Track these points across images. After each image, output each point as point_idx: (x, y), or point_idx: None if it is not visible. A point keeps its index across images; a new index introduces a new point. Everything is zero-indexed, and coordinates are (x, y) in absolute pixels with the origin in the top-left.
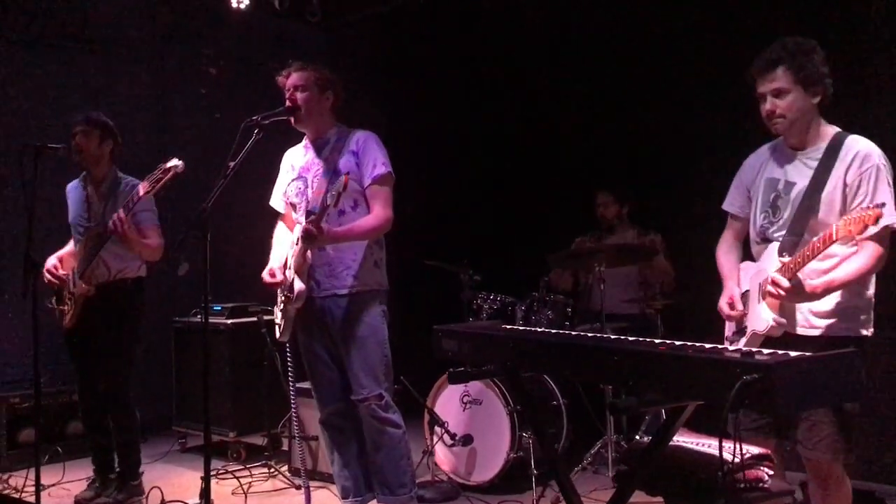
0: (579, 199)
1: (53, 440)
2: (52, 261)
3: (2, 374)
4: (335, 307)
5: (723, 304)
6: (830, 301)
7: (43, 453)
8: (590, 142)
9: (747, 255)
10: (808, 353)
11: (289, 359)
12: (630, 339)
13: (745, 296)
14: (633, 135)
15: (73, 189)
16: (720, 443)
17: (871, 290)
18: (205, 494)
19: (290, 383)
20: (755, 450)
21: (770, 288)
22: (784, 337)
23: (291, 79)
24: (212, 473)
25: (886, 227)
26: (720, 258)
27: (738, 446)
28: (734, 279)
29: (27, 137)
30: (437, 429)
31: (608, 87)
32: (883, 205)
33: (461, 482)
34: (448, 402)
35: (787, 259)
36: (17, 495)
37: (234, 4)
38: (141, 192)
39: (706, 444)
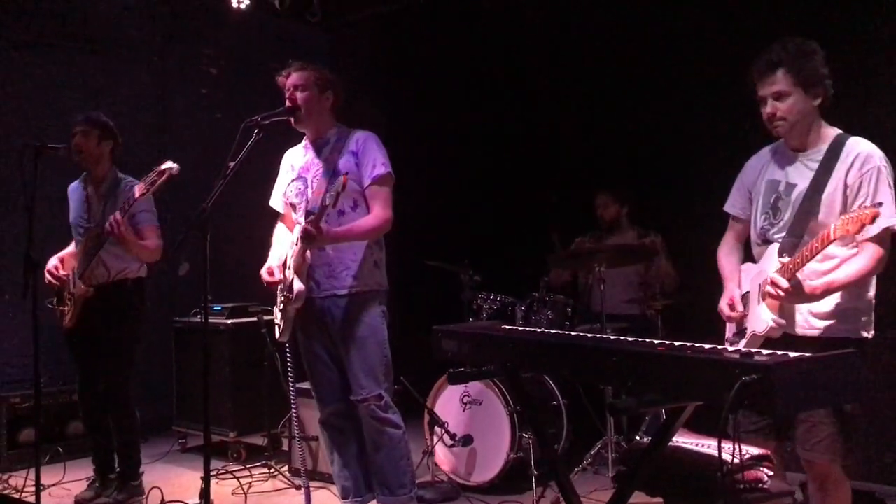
0: (579, 200)
1: (53, 440)
2: (53, 261)
3: (2, 374)
4: (335, 307)
5: (723, 305)
6: (830, 302)
7: (43, 453)
8: (590, 142)
9: (749, 256)
10: (807, 354)
11: (289, 359)
12: (629, 339)
13: (745, 297)
14: (634, 135)
15: (74, 189)
16: (719, 443)
17: (872, 292)
18: (204, 495)
19: (290, 383)
20: (755, 450)
21: (769, 289)
22: (784, 338)
23: (291, 79)
24: (212, 474)
25: (887, 228)
26: (721, 260)
27: (737, 447)
28: (735, 281)
29: (27, 137)
30: (437, 429)
31: (608, 87)
32: (880, 204)
33: (461, 482)
34: (448, 402)
35: (786, 260)
36: (17, 495)
37: (235, 4)
38: (136, 194)
39: (706, 445)
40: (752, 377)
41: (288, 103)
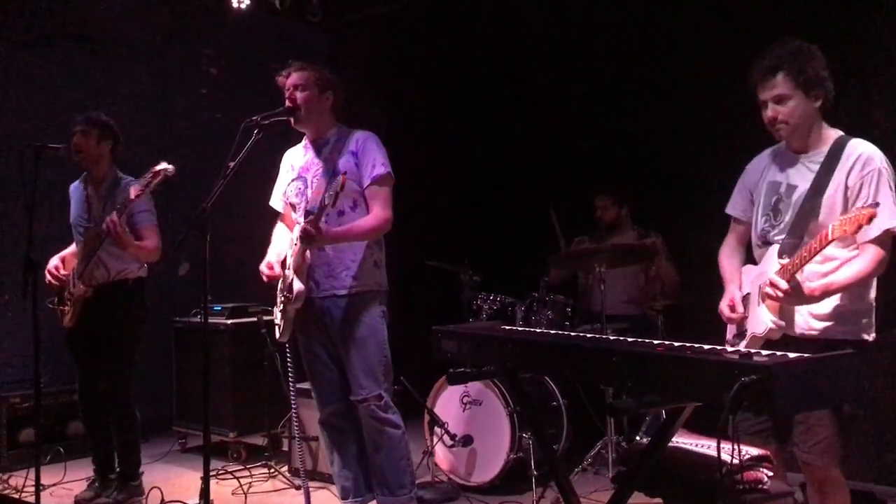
0: (580, 200)
1: (54, 440)
2: (54, 261)
3: (2, 374)
4: (334, 308)
5: (723, 306)
6: (830, 304)
7: (44, 453)
8: (590, 142)
9: (751, 258)
10: (806, 355)
11: (289, 359)
12: (629, 339)
13: (745, 299)
14: (634, 135)
15: (74, 189)
16: (718, 444)
17: (873, 294)
18: (204, 495)
19: (291, 384)
20: (754, 451)
21: (769, 290)
22: (783, 339)
23: (291, 79)
24: (212, 474)
25: (887, 230)
26: (722, 261)
27: (736, 447)
28: (735, 282)
29: (28, 138)
30: (437, 429)
31: (608, 87)
32: (877, 204)
33: (461, 483)
34: (448, 402)
35: (786, 261)
36: (16, 495)
37: (235, 4)
38: (132, 195)
39: (705, 446)
40: (752, 378)
41: (288, 103)
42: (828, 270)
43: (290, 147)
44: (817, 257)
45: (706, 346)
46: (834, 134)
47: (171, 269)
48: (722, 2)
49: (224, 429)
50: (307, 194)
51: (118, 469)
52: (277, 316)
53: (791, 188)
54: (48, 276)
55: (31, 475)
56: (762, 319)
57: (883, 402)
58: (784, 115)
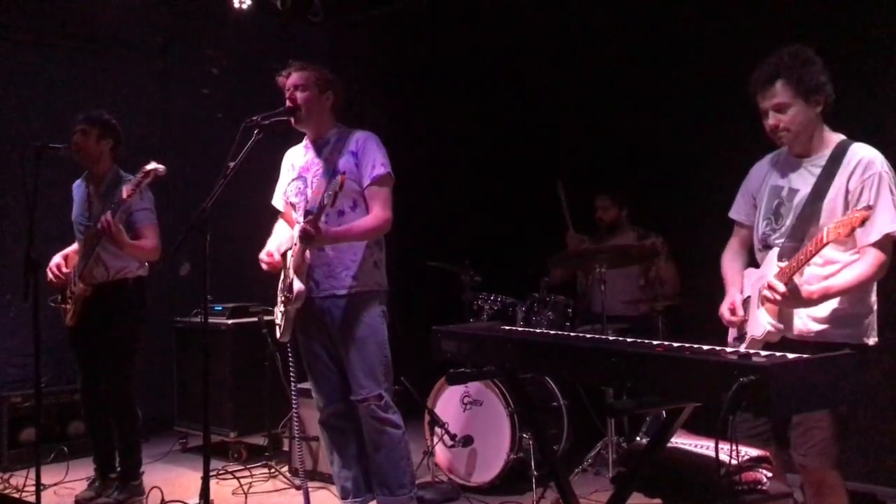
0: (580, 200)
1: (54, 440)
2: (56, 259)
3: (3, 374)
4: (334, 308)
5: (724, 309)
6: (829, 307)
7: (46, 453)
8: (591, 142)
9: (753, 262)
10: (805, 356)
11: (290, 359)
12: (628, 340)
13: (746, 302)
14: (634, 136)
15: (77, 187)
16: (716, 445)
17: (874, 297)
18: (204, 495)
19: (292, 383)
20: (754, 452)
21: (767, 293)
22: (782, 342)
23: (291, 79)
24: (212, 474)
25: (887, 234)
26: (724, 265)
27: (735, 448)
28: (737, 285)
29: (30, 138)
30: (438, 429)
31: (609, 87)
32: (870, 207)
33: (461, 483)
34: (448, 402)
35: (785, 264)
36: (17, 495)
37: (237, 5)
38: (124, 195)
39: (704, 446)
40: (750, 378)
41: (288, 103)
42: (828, 274)
43: (290, 147)
44: (818, 260)
45: (705, 347)
46: (836, 138)
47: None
48: (723, 3)
49: (225, 429)
50: (307, 194)
51: (119, 469)
52: (278, 316)
53: (793, 192)
54: (49, 274)
55: (32, 475)
56: (761, 322)
57: (884, 404)
58: (785, 122)
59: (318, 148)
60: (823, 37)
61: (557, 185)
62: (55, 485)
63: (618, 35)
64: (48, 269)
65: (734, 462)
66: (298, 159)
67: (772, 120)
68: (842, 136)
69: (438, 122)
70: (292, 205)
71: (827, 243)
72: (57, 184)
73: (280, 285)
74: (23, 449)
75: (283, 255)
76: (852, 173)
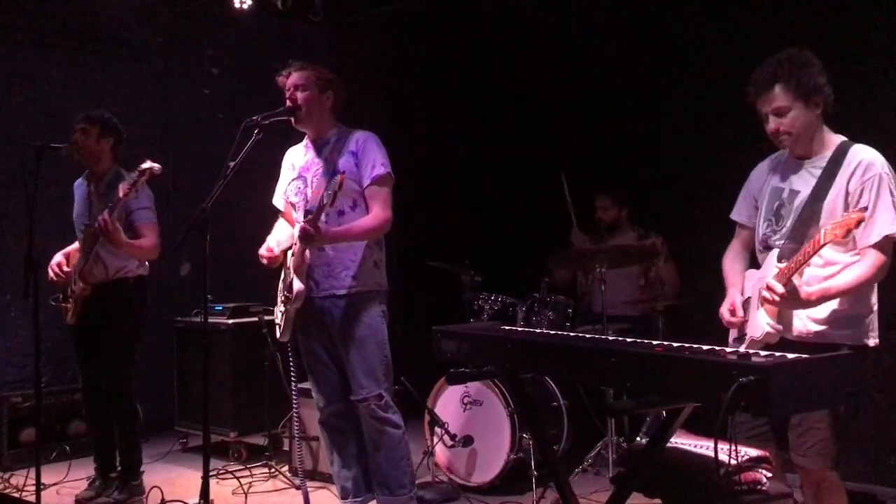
0: (581, 201)
1: (55, 440)
2: (57, 258)
3: (4, 374)
4: (334, 307)
5: (723, 310)
6: (829, 308)
7: (46, 453)
8: (591, 143)
9: (755, 263)
10: (804, 356)
11: (290, 359)
12: (628, 340)
13: (747, 303)
14: (635, 136)
15: (78, 186)
16: (716, 445)
17: (874, 299)
18: (203, 494)
19: (292, 383)
20: (753, 452)
21: (765, 294)
22: (781, 343)
23: (292, 78)
24: (212, 473)
25: (887, 236)
26: (725, 266)
27: (734, 448)
28: (737, 286)
29: (30, 138)
30: (438, 429)
31: (609, 87)
32: (865, 209)
33: (461, 483)
34: (448, 402)
35: (784, 265)
36: (17, 494)
37: (237, 4)
38: (120, 194)
39: (704, 447)
40: (749, 378)
41: (288, 103)
42: (828, 275)
43: (290, 147)
44: (818, 260)
45: (705, 347)
46: (837, 139)
47: (172, 268)
48: (723, 4)
49: (225, 428)
50: (307, 194)
51: (119, 468)
52: (278, 315)
53: (793, 194)
54: (51, 273)
55: (32, 474)
56: (760, 323)
57: (885, 404)
58: (786, 126)
59: (319, 148)
60: (823, 37)
61: (562, 177)
62: (55, 484)
63: (618, 35)
64: (49, 268)
65: (734, 462)
66: (299, 159)
67: (772, 124)
68: (842, 138)
69: (438, 122)
70: (292, 204)
71: (824, 245)
72: (57, 183)
73: (280, 285)
74: (23, 449)
75: (284, 254)
76: (852, 175)
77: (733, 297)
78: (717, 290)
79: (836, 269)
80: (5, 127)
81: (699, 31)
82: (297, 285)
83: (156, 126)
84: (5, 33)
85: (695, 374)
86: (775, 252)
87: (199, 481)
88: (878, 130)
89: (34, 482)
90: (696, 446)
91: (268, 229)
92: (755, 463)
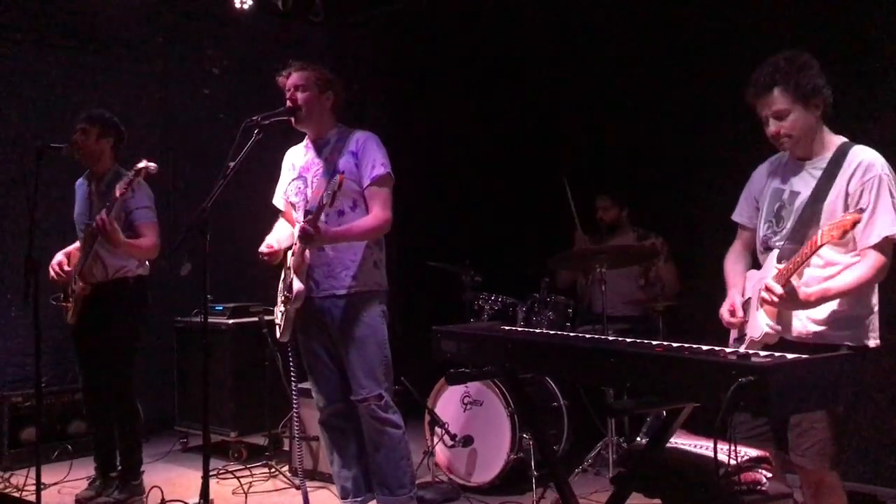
0: (581, 201)
1: (55, 439)
2: (58, 257)
3: (4, 374)
4: (334, 307)
5: (723, 311)
6: (828, 309)
7: (46, 452)
8: (592, 143)
9: (757, 264)
10: (804, 356)
11: (290, 359)
12: (627, 340)
13: (747, 303)
14: (635, 136)
15: (79, 186)
16: (715, 445)
17: (874, 300)
18: (203, 494)
19: (292, 383)
20: (753, 452)
21: (764, 294)
22: (781, 343)
23: (292, 79)
24: (212, 473)
25: (887, 237)
26: (727, 267)
27: (734, 448)
28: (738, 287)
29: (30, 138)
30: (438, 429)
31: (610, 89)
32: (861, 210)
33: (461, 483)
34: (448, 402)
35: (783, 266)
36: (17, 494)
37: (238, 5)
38: (117, 194)
39: (704, 447)
40: (749, 378)
41: (288, 103)
42: (829, 275)
43: (290, 147)
44: (818, 261)
45: (704, 347)
46: (837, 140)
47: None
48: (723, 2)
49: (225, 428)
50: (307, 194)
51: (119, 468)
52: (278, 315)
53: (794, 195)
54: (51, 272)
55: (33, 474)
56: (759, 324)
57: (884, 404)
58: (786, 129)
59: (319, 148)
60: (823, 37)
61: (563, 180)
62: (55, 484)
63: (618, 35)
64: (50, 267)
65: (733, 462)
66: (299, 159)
67: (772, 127)
68: (843, 139)
69: (438, 122)
70: (292, 204)
71: (821, 246)
72: (58, 183)
73: (280, 285)
74: (23, 448)
75: (284, 252)
76: (852, 176)
77: (733, 298)
78: (718, 290)
79: (837, 269)
80: (6, 127)
81: (699, 31)
82: (297, 285)
83: (156, 126)
84: (6, 33)
85: (694, 374)
86: (775, 253)
87: (200, 481)
88: (879, 130)
89: (34, 482)
90: (695, 446)
91: (268, 229)
92: (755, 463)
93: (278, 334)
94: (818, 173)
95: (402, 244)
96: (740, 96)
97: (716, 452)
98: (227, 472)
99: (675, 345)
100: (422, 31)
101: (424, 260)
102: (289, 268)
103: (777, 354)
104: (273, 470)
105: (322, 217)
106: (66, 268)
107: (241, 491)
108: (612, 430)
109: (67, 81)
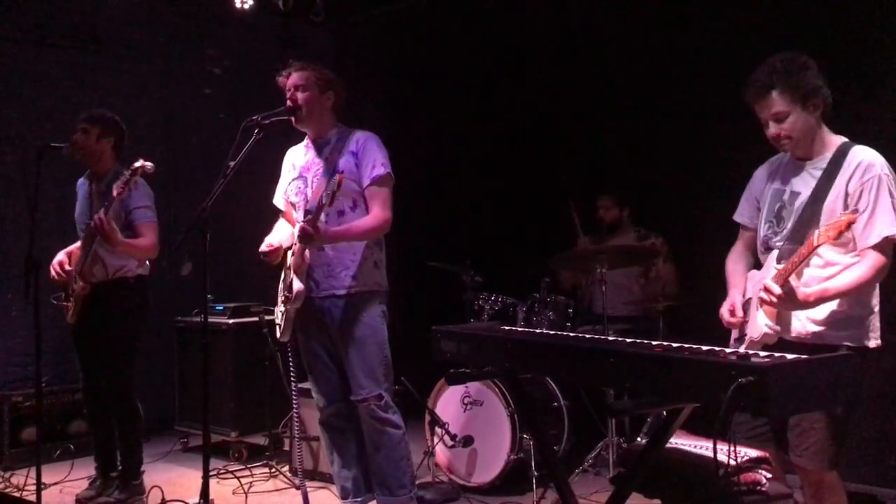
0: (581, 201)
1: (56, 439)
2: (60, 256)
3: (5, 373)
4: (334, 308)
5: (723, 311)
6: (828, 309)
7: (47, 452)
8: (593, 143)
9: (759, 264)
10: (803, 357)
11: (290, 359)
12: (627, 340)
13: (748, 303)
14: (635, 136)
15: (80, 185)
16: (714, 445)
17: (875, 300)
18: (204, 494)
19: (292, 383)
20: (753, 453)
21: (762, 294)
22: (780, 343)
23: (292, 79)
24: (213, 473)
25: (887, 237)
26: (728, 267)
27: (734, 449)
28: (739, 287)
29: (31, 138)
30: (438, 429)
31: (611, 89)
32: (857, 211)
33: (461, 483)
34: (449, 402)
35: (781, 266)
36: (17, 494)
37: (238, 4)
38: (114, 193)
39: (704, 447)
40: (748, 379)
41: (289, 103)
42: (828, 276)
43: (290, 147)
44: (818, 261)
45: (704, 348)
46: (837, 140)
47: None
48: (723, 2)
49: (225, 428)
50: (307, 193)
51: (120, 468)
52: (278, 315)
53: (794, 195)
54: (52, 272)
55: (33, 474)
56: (758, 324)
57: (884, 404)
58: (786, 131)
59: (319, 148)
60: (823, 37)
61: (570, 206)
62: (56, 483)
63: (618, 35)
64: (51, 267)
65: (733, 463)
66: (299, 159)
67: (772, 129)
68: (843, 139)
69: (439, 122)
70: (293, 204)
71: (818, 247)
72: (58, 183)
73: (280, 285)
74: (24, 448)
75: (284, 252)
76: (852, 176)
77: (734, 298)
78: (718, 290)
79: (837, 269)
80: (6, 127)
81: (699, 31)
82: (297, 285)
83: (157, 126)
84: (7, 33)
85: (694, 374)
86: (775, 253)
87: (200, 481)
88: (879, 130)
89: (35, 481)
90: (695, 447)
91: (268, 229)
92: (755, 464)
93: (278, 334)
94: (818, 173)
95: (402, 244)
96: (740, 96)
97: (715, 453)
98: (228, 472)
99: (674, 345)
100: (422, 31)
101: (424, 260)
102: (289, 268)
103: (777, 355)
104: (273, 470)
105: (322, 217)
106: (66, 267)
107: (242, 491)
108: (613, 430)
109: (68, 81)
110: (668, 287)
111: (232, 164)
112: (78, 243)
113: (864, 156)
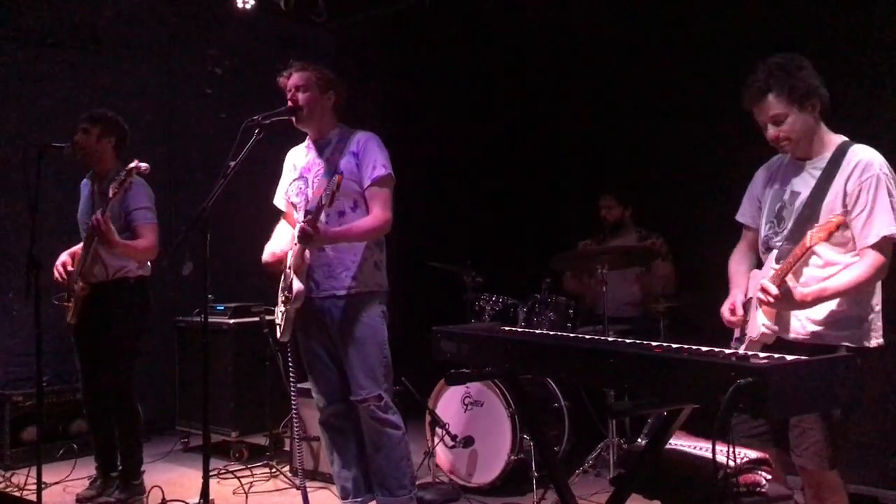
0: (582, 201)
1: (56, 439)
2: (63, 257)
3: (6, 373)
4: (334, 308)
5: (724, 310)
6: (826, 309)
7: (48, 452)
8: (593, 143)
9: (762, 264)
10: (803, 358)
11: (290, 359)
12: (627, 341)
13: (749, 303)
14: (637, 137)
15: (84, 186)
16: (713, 446)
17: (876, 300)
18: (204, 494)
19: (292, 383)
20: (753, 454)
21: (760, 295)
22: (779, 343)
23: (292, 79)
24: (213, 473)
25: (886, 237)
26: (731, 267)
27: (733, 450)
28: (740, 287)
29: (32, 138)
30: (438, 430)
31: (612, 89)
32: (847, 212)
33: (462, 484)
34: (449, 403)
35: (778, 266)
36: (18, 493)
37: (240, 5)
38: (110, 194)
39: (704, 448)
40: (748, 380)
41: (289, 103)
42: (827, 276)
43: (291, 147)
44: (818, 261)
45: (703, 348)
46: (837, 140)
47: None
48: (723, 2)
49: (226, 428)
50: (308, 194)
51: (120, 468)
52: (278, 316)
53: (794, 195)
54: (55, 273)
55: (34, 473)
56: (757, 323)
57: (885, 406)
58: (785, 132)
59: (320, 148)
60: (823, 37)
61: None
62: (56, 483)
63: (619, 35)
64: (55, 268)
65: (733, 464)
66: (300, 159)
67: (771, 132)
68: (843, 138)
69: (439, 121)
70: (293, 205)
71: (810, 247)
72: (60, 183)
73: (280, 285)
74: (25, 448)
75: (285, 254)
76: (850, 175)
77: (735, 297)
78: (719, 290)
79: (836, 269)
80: (7, 126)
81: (699, 31)
82: (297, 285)
83: (157, 126)
84: (7, 33)
85: (693, 375)
86: (774, 253)
87: (200, 481)
88: (879, 130)
89: (35, 481)
90: (695, 448)
91: (268, 229)
92: (754, 465)
93: (279, 334)
94: (818, 173)
95: (403, 244)
96: (740, 96)
97: (714, 454)
98: (228, 472)
99: (674, 346)
100: (422, 31)
101: (425, 260)
102: (289, 268)
103: (776, 356)
104: (274, 470)
105: (322, 217)
106: (69, 268)
107: (242, 491)
108: (613, 431)
109: (68, 81)
110: (667, 287)
111: (232, 164)
112: (81, 244)
113: (862, 155)
